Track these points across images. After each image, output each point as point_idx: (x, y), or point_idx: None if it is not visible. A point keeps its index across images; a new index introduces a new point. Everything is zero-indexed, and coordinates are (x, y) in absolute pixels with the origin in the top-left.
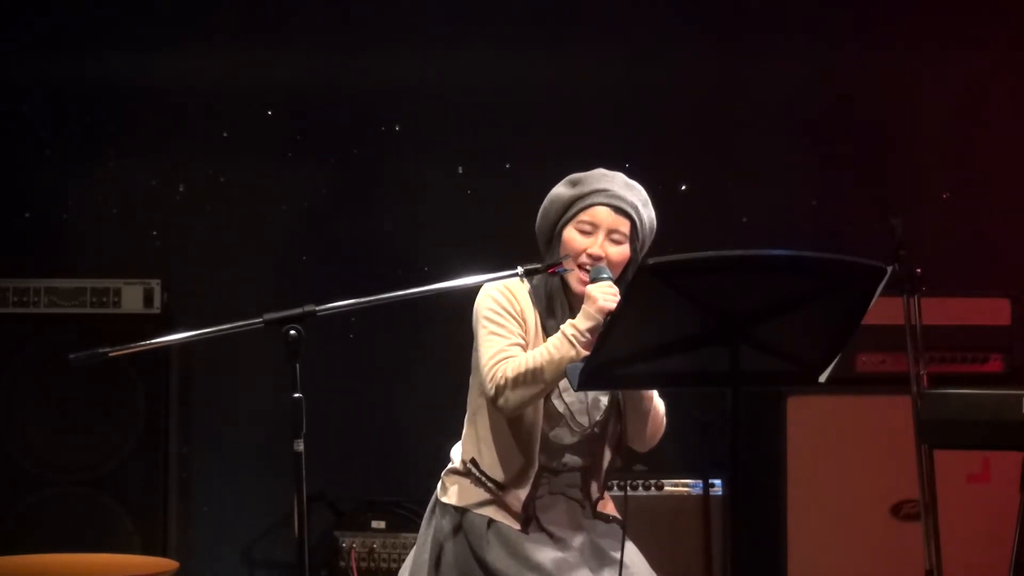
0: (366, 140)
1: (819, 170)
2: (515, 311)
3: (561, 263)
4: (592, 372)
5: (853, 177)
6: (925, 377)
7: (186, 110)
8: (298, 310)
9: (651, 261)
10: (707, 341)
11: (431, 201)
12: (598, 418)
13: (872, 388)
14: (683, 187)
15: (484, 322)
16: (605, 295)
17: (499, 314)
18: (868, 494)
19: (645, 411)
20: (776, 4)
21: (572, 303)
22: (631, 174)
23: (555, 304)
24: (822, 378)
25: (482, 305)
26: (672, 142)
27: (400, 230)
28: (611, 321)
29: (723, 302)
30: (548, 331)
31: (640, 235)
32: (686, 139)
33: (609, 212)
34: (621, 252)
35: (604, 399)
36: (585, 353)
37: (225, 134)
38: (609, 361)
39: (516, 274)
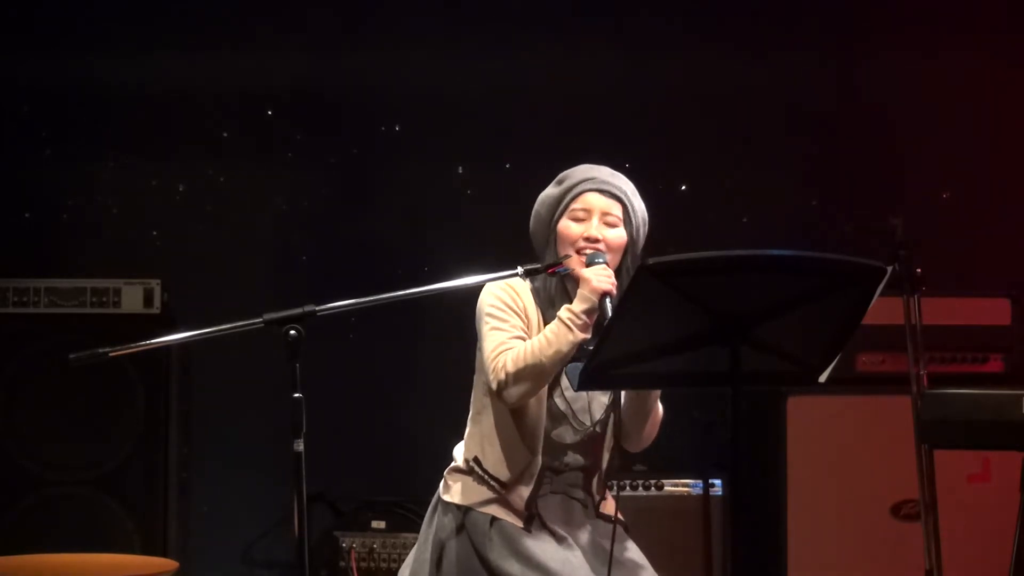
0: (366, 140)
1: (819, 170)
2: (518, 307)
3: (561, 263)
4: (592, 372)
5: (853, 177)
6: (925, 377)
7: (186, 110)
8: (298, 310)
9: (651, 261)
10: (707, 341)
11: (431, 201)
12: (599, 416)
13: (872, 388)
14: (683, 187)
15: (487, 318)
16: (599, 277)
17: (501, 310)
18: (868, 494)
19: (647, 411)
20: (777, 4)
21: (573, 299)
22: (631, 174)
23: (557, 301)
24: (822, 378)
25: (484, 302)
26: (672, 142)
27: (400, 230)
28: (611, 321)
29: (723, 302)
30: None
31: (633, 220)
32: (686, 139)
33: (599, 196)
34: (618, 234)
35: (604, 397)
36: (583, 336)
37: (225, 134)
38: (609, 361)
39: (516, 274)
